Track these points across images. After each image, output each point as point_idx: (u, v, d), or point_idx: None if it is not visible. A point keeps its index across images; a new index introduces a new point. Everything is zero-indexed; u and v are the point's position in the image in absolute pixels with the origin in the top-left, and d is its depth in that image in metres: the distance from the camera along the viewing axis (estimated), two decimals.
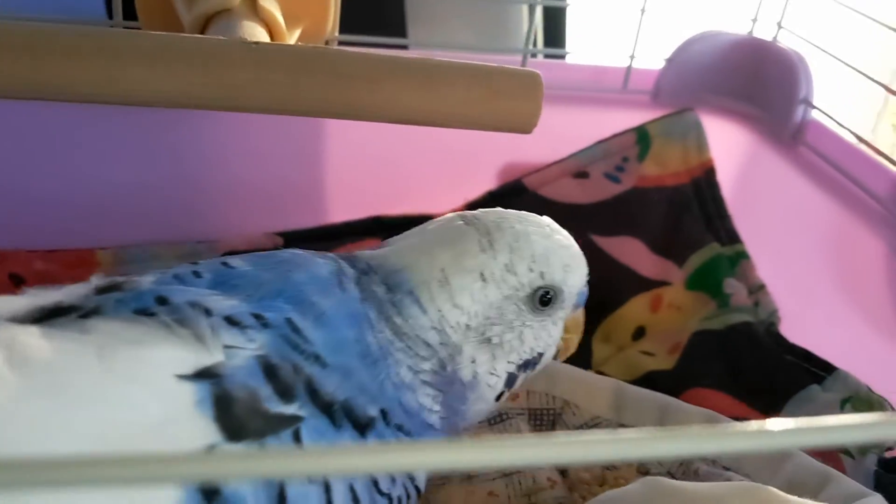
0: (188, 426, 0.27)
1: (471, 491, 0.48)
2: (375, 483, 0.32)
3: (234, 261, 0.35)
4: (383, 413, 0.34)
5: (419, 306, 0.36)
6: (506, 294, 0.37)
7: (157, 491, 0.26)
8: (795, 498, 0.34)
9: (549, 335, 0.40)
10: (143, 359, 0.28)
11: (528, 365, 0.39)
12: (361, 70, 0.41)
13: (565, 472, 0.50)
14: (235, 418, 0.28)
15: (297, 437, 0.29)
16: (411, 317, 0.36)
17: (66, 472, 0.14)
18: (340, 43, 0.58)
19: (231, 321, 0.30)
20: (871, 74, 0.59)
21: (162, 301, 0.30)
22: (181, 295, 0.31)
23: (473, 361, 0.37)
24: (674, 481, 0.36)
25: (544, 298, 0.38)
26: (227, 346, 0.29)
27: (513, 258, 0.37)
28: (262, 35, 0.46)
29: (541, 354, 0.39)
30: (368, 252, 0.39)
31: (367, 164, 0.65)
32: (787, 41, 0.67)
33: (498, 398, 0.39)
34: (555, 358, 0.42)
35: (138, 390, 0.27)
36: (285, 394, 0.30)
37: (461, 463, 0.16)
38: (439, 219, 0.40)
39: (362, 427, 0.32)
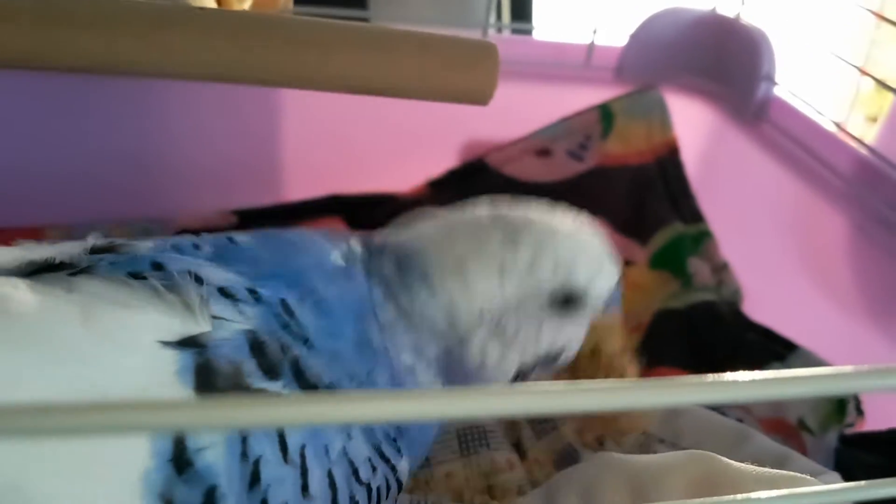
0: (166, 394, 0.27)
1: (427, 472, 0.48)
2: (355, 472, 0.32)
3: (239, 236, 0.34)
4: None
5: (429, 290, 0.35)
6: (525, 292, 0.36)
7: (124, 459, 0.25)
8: (736, 463, 0.34)
9: (570, 334, 0.39)
10: (126, 321, 0.27)
11: (543, 361, 0.38)
12: (311, 37, 0.40)
13: (524, 455, 0.49)
14: (216, 390, 0.27)
15: None
16: (419, 299, 0.35)
17: (35, 419, 0.13)
18: (296, 14, 0.56)
19: (224, 292, 0.30)
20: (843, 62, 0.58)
21: (157, 267, 0.30)
22: (177, 263, 0.30)
23: (483, 350, 0.36)
24: (623, 455, 0.36)
25: (567, 300, 0.37)
26: (215, 317, 0.29)
27: (536, 259, 0.37)
28: (209, 3, 0.44)
29: (559, 353, 0.39)
30: (387, 232, 0.38)
31: (326, 141, 0.63)
32: (751, 18, 0.67)
33: None
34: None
35: (118, 353, 0.26)
36: (270, 371, 0.29)
37: (431, 412, 0.16)
38: (465, 210, 0.39)
39: None
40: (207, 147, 0.61)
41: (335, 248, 0.36)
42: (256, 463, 0.28)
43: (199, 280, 0.30)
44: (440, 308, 0.36)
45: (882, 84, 0.58)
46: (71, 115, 0.58)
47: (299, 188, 0.63)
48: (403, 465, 0.35)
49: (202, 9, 0.39)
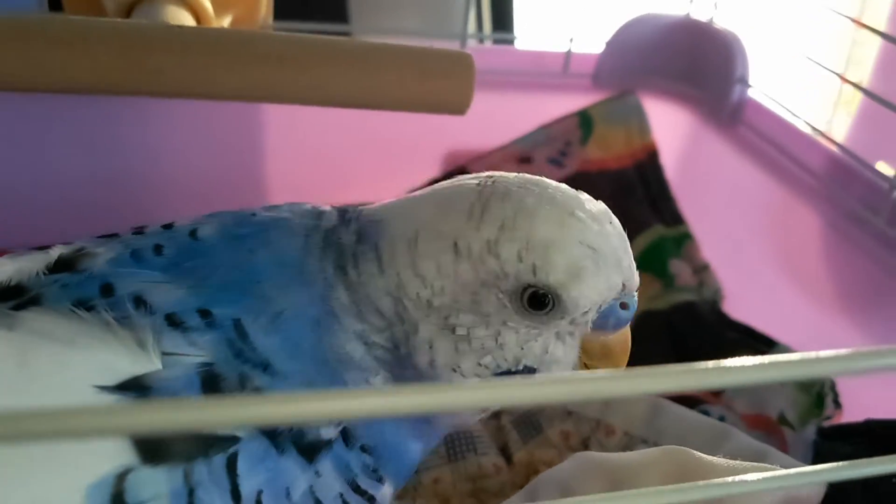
0: (99, 445, 0.25)
1: (415, 478, 0.48)
2: None
3: (204, 229, 0.31)
4: (344, 433, 0.30)
5: (377, 264, 0.30)
6: (483, 278, 0.29)
7: (63, 494, 0.25)
8: (709, 457, 0.35)
9: (547, 351, 0.31)
10: (65, 364, 0.26)
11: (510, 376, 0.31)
12: (289, 53, 0.40)
13: (510, 459, 0.50)
14: (155, 438, 0.26)
15: (230, 464, 0.27)
16: (366, 273, 0.30)
17: None
18: (277, 30, 0.57)
19: (173, 321, 0.28)
20: (825, 63, 0.59)
21: (107, 290, 0.28)
22: (127, 283, 0.29)
23: (431, 347, 0.30)
24: (601, 453, 0.36)
25: (537, 300, 0.30)
26: (165, 353, 0.27)
27: (500, 237, 0.29)
28: (187, 20, 0.45)
29: (531, 370, 0.31)
30: (375, 205, 0.33)
31: (307, 154, 0.64)
32: (724, 22, 0.68)
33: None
34: None
35: (51, 399, 0.25)
36: None
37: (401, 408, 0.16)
38: (468, 175, 0.33)
39: (311, 451, 0.29)
40: (187, 163, 0.62)
41: (299, 228, 0.32)
42: None
43: (148, 307, 0.28)
44: (387, 287, 0.30)
45: (855, 85, 0.59)
46: (47, 135, 0.58)
47: (280, 202, 0.64)
48: (385, 491, 0.33)
49: (180, 27, 0.40)
